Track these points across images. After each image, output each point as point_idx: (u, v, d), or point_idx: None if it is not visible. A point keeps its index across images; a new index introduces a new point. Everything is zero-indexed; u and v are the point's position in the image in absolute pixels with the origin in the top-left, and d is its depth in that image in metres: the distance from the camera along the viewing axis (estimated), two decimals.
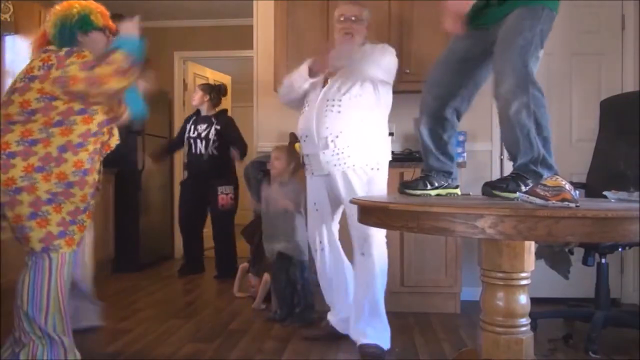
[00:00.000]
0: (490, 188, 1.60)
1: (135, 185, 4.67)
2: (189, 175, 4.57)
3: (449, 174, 1.87)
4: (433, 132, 1.86)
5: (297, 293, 3.02)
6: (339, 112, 2.45)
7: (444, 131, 1.86)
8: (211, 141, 4.33)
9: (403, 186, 1.84)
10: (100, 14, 2.27)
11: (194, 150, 4.38)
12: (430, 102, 1.86)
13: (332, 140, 2.45)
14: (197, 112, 4.54)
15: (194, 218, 4.54)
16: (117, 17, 5.02)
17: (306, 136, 2.55)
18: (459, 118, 1.89)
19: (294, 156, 3.05)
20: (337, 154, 2.46)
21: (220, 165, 4.34)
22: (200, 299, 3.71)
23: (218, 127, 4.36)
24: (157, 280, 4.32)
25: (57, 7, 2.22)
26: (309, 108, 2.56)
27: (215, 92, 4.55)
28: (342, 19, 2.59)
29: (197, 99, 4.45)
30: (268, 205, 3.10)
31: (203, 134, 4.35)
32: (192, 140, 4.39)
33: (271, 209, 3.07)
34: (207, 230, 4.91)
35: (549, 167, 1.62)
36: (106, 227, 4.37)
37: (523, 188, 1.52)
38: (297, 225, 3.04)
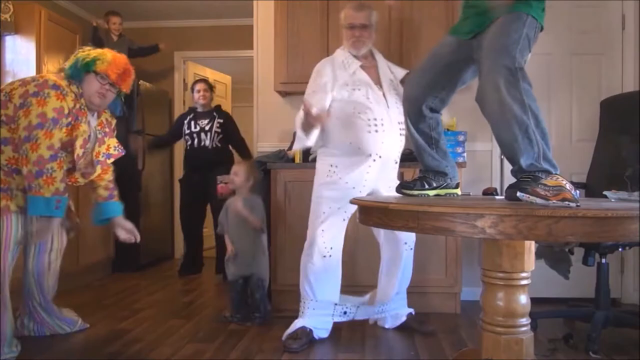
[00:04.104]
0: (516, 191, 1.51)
1: (135, 185, 4.67)
2: (190, 169, 4.53)
3: (444, 174, 1.87)
4: (421, 131, 1.87)
5: (255, 304, 3.06)
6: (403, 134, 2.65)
7: (430, 129, 1.87)
8: (215, 134, 4.36)
9: (401, 186, 1.85)
10: (109, 64, 2.46)
11: (196, 144, 4.38)
12: (412, 102, 1.87)
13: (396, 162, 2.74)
14: (192, 109, 4.54)
15: (195, 216, 4.54)
16: (112, 13, 5.09)
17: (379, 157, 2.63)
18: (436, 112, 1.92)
19: (253, 172, 3.14)
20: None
21: (222, 156, 4.36)
22: (200, 299, 3.71)
23: (221, 121, 4.40)
24: (157, 280, 4.32)
25: (88, 48, 2.53)
26: (381, 129, 2.59)
27: (213, 88, 4.61)
28: (350, 25, 2.65)
29: (208, 97, 4.46)
30: (228, 217, 3.12)
31: (207, 127, 4.37)
32: (195, 135, 4.38)
33: (231, 221, 3.10)
34: (207, 230, 4.90)
35: (550, 162, 1.60)
36: (106, 227, 4.35)
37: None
38: (262, 243, 3.11)
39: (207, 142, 4.36)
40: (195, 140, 4.38)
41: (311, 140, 2.59)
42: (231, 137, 4.41)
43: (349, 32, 2.67)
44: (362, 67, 2.67)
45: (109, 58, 2.46)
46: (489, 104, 1.60)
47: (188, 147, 4.47)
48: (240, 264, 3.08)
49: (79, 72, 2.43)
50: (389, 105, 2.61)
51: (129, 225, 2.79)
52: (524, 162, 1.59)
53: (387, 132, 2.59)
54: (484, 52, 1.65)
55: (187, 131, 4.42)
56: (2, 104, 2.30)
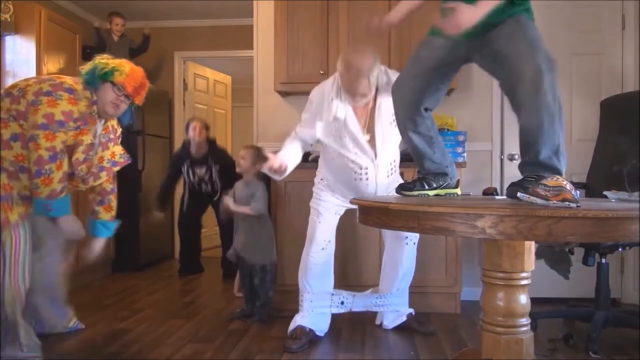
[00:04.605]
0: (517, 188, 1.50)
1: (135, 185, 4.67)
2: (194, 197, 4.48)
3: (445, 174, 1.87)
4: (421, 134, 1.85)
5: (255, 290, 3.09)
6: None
7: (428, 129, 1.85)
8: (215, 181, 4.27)
9: (401, 187, 1.85)
10: (127, 76, 2.45)
11: (197, 190, 4.34)
12: (410, 107, 1.84)
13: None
14: (186, 150, 4.31)
15: (195, 224, 4.55)
16: (115, 14, 5.10)
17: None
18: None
19: (260, 158, 3.12)
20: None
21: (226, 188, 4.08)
22: (200, 299, 3.71)
23: (217, 168, 4.25)
24: (157, 280, 4.32)
25: (107, 57, 2.50)
26: (365, 177, 2.59)
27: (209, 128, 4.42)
28: (349, 92, 2.47)
29: (203, 135, 4.23)
30: (236, 199, 3.17)
31: (206, 178, 4.28)
32: (195, 184, 4.32)
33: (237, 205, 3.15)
34: (206, 230, 4.90)
35: (562, 155, 1.57)
36: None
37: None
38: (266, 229, 3.11)
39: (210, 190, 4.30)
40: (196, 188, 4.33)
41: (282, 177, 2.62)
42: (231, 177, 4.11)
43: (348, 93, 2.48)
44: (354, 107, 2.54)
45: (127, 70, 2.46)
46: (525, 85, 1.56)
47: (192, 190, 4.39)
48: (241, 247, 3.11)
49: (96, 80, 2.43)
50: (377, 152, 2.57)
51: (97, 248, 2.64)
52: (542, 152, 1.55)
53: (373, 178, 2.60)
54: (508, 42, 1.60)
55: (186, 177, 4.34)
56: (15, 99, 2.29)
